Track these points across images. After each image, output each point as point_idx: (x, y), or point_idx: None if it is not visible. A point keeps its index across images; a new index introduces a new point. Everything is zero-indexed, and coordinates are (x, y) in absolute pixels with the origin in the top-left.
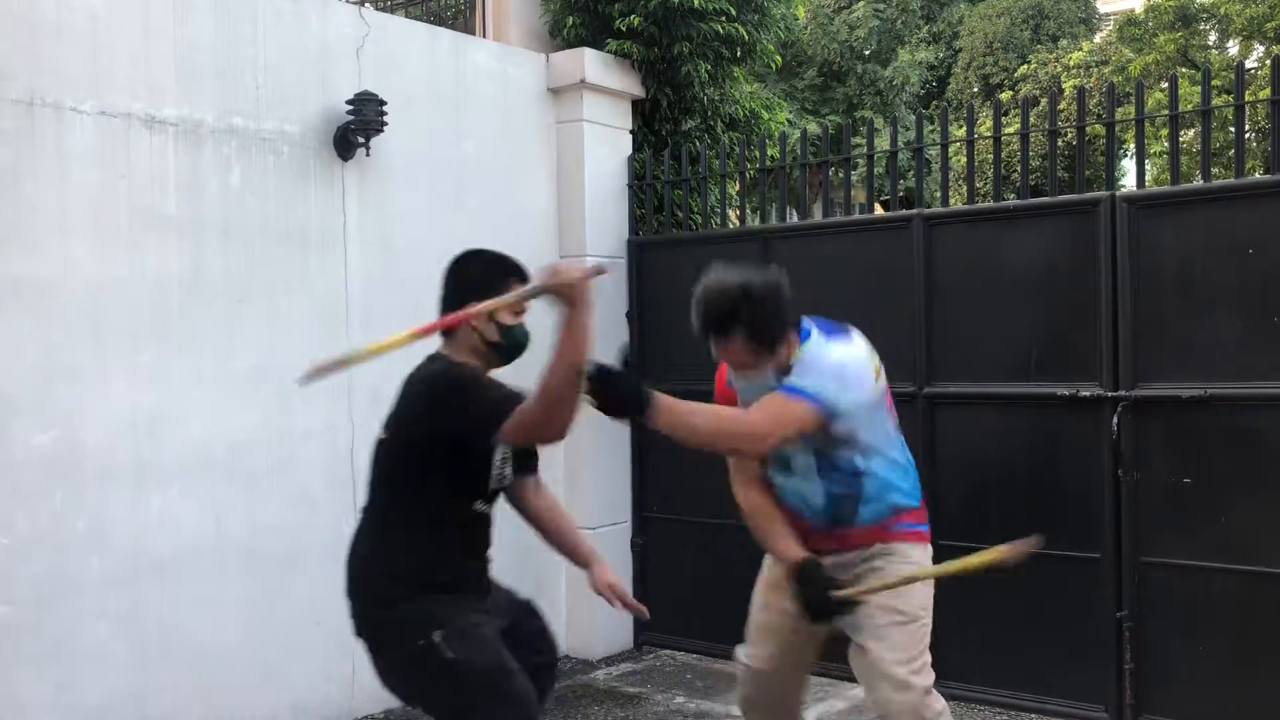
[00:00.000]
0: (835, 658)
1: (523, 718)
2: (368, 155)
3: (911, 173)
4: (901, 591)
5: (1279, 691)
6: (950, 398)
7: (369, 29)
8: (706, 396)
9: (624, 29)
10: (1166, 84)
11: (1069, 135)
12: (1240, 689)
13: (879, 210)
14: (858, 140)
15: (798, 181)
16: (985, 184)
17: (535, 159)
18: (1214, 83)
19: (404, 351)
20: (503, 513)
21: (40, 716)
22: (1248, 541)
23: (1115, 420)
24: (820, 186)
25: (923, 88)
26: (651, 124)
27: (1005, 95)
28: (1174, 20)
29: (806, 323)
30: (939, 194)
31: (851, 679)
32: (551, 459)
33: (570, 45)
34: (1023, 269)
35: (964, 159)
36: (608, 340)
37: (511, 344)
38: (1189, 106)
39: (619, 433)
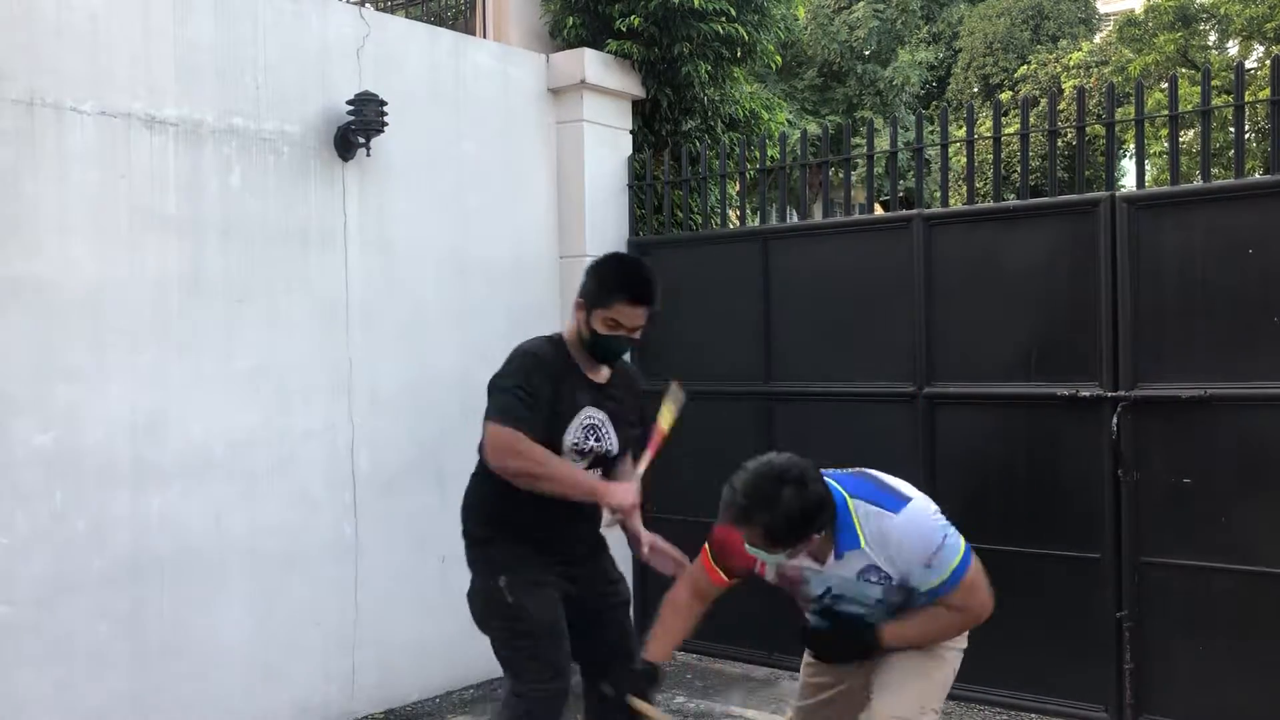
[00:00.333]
0: None
1: (546, 678)
2: (368, 155)
3: (911, 173)
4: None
5: (1279, 691)
6: (950, 398)
7: (369, 29)
8: (706, 396)
9: (624, 29)
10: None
11: (1069, 135)
12: (1240, 689)
13: (879, 210)
14: (858, 140)
15: (798, 182)
16: (985, 184)
17: (535, 159)
18: (1214, 83)
19: (417, 340)
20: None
21: (40, 716)
22: (1248, 541)
23: (1115, 420)
24: (820, 187)
25: (923, 88)
26: (652, 124)
27: (1005, 95)
28: (1174, 20)
29: (841, 500)
30: (939, 194)
31: None
32: None
33: (570, 45)
34: (1023, 269)
35: (964, 159)
36: None
37: (594, 347)
38: (1189, 107)
39: None
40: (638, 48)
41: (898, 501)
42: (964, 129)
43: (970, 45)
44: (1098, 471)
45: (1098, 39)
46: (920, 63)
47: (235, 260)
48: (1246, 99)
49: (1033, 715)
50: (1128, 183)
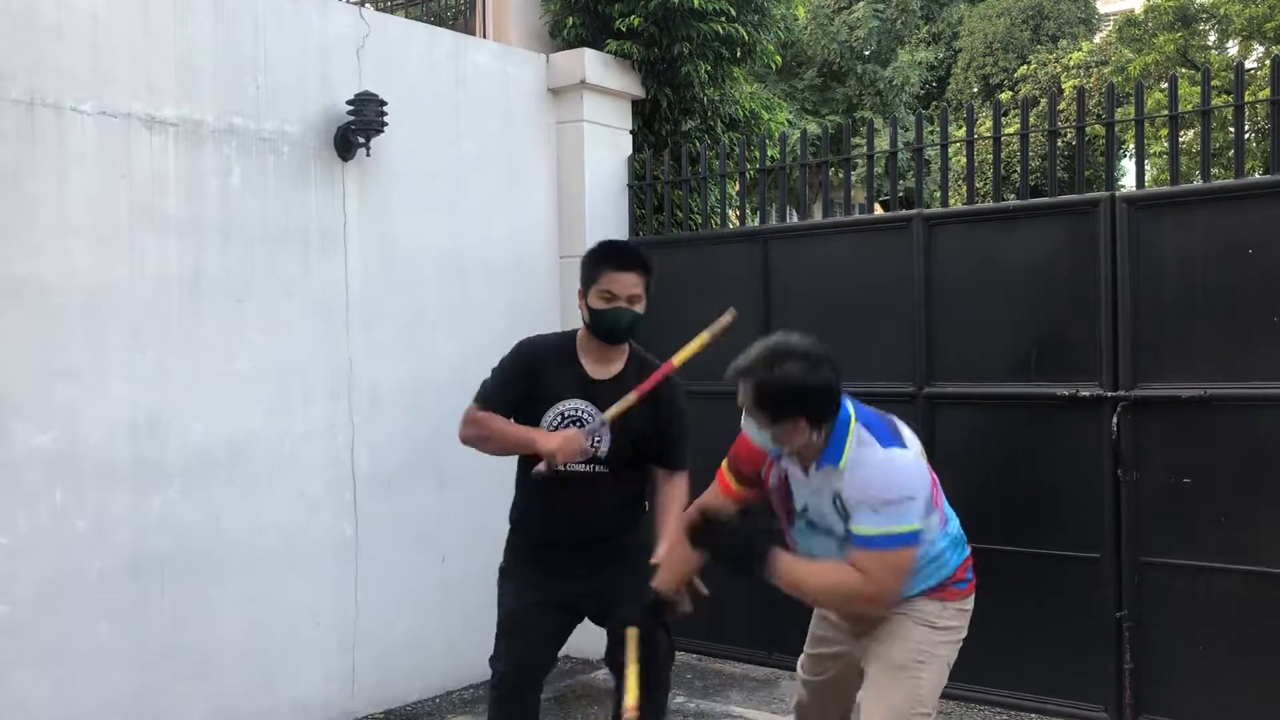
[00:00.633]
0: None
1: (499, 663)
2: (368, 155)
3: (911, 173)
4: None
5: (1279, 691)
6: (950, 398)
7: (369, 29)
8: (706, 396)
9: (624, 29)
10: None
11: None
12: (1240, 689)
13: (879, 210)
14: (858, 140)
15: (798, 182)
16: (985, 184)
17: (535, 159)
18: (1214, 83)
19: (417, 340)
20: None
21: (40, 716)
22: (1248, 541)
23: (1115, 420)
24: (820, 187)
25: (922, 88)
26: (651, 124)
27: (1005, 95)
28: (1174, 20)
29: (844, 412)
30: (939, 194)
31: None
32: None
33: (570, 45)
34: (1022, 269)
35: (964, 159)
36: None
37: (597, 326)
38: (1189, 107)
39: None
40: (638, 48)
41: (892, 440)
42: (964, 129)
43: (970, 45)
44: (1098, 471)
45: (1098, 39)
46: (920, 63)
47: (235, 260)
48: (1246, 99)
49: (1033, 715)
50: (1128, 183)
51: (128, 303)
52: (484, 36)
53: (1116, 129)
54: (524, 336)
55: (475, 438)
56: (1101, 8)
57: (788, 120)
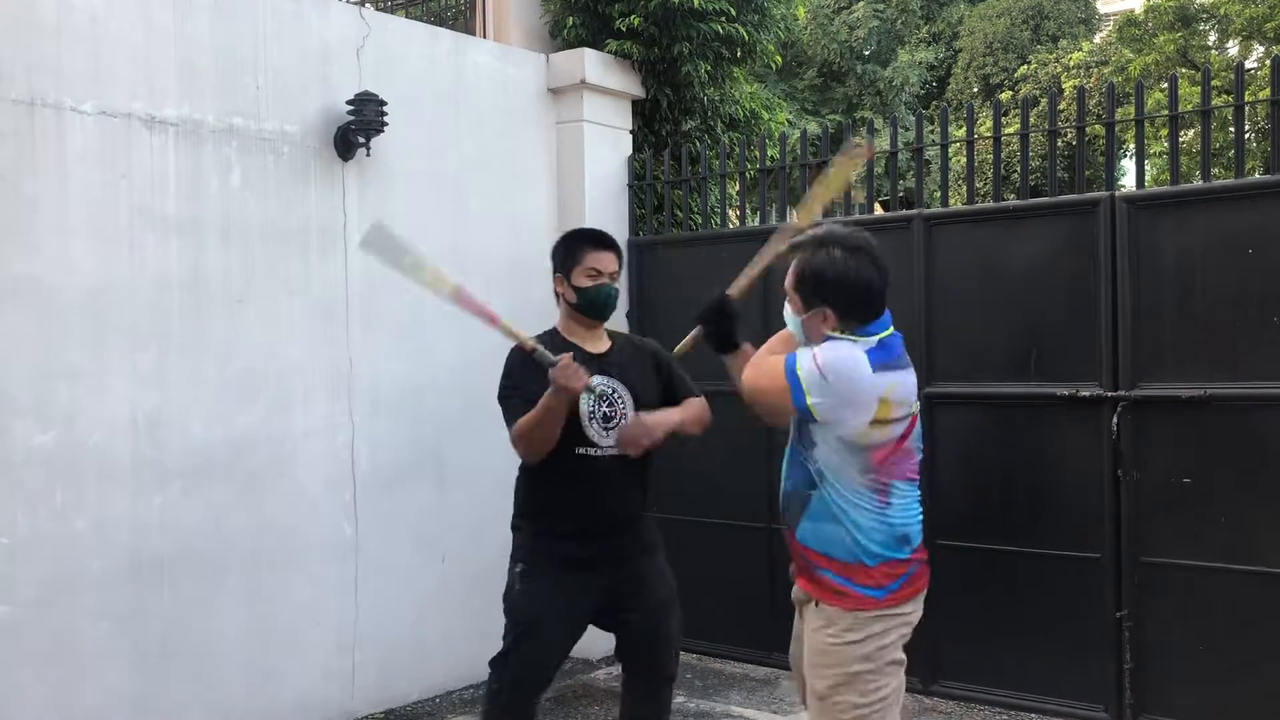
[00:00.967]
0: None
1: (511, 669)
2: (368, 155)
3: (911, 173)
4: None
5: (1279, 691)
6: (950, 398)
7: (369, 29)
8: (706, 396)
9: (624, 29)
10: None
11: (1069, 135)
12: (1240, 689)
13: (879, 210)
14: (858, 140)
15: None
16: (985, 184)
17: (535, 159)
18: (1214, 83)
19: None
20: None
21: (40, 716)
22: (1248, 541)
23: (1115, 420)
24: None
25: (922, 88)
26: (651, 124)
27: (1005, 95)
28: (1174, 20)
29: (879, 325)
30: (939, 194)
31: None
32: None
33: (570, 45)
34: (1022, 269)
35: (964, 159)
36: None
37: (586, 303)
38: (1189, 107)
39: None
40: (638, 48)
41: (885, 357)
42: (964, 129)
43: (970, 45)
44: (1098, 471)
45: (1098, 39)
46: (920, 63)
47: (235, 260)
48: (1246, 99)
49: (1033, 715)
50: (1128, 183)
51: (128, 303)
52: (484, 36)
53: (1116, 129)
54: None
55: (529, 443)
56: (1101, 8)
57: (788, 120)
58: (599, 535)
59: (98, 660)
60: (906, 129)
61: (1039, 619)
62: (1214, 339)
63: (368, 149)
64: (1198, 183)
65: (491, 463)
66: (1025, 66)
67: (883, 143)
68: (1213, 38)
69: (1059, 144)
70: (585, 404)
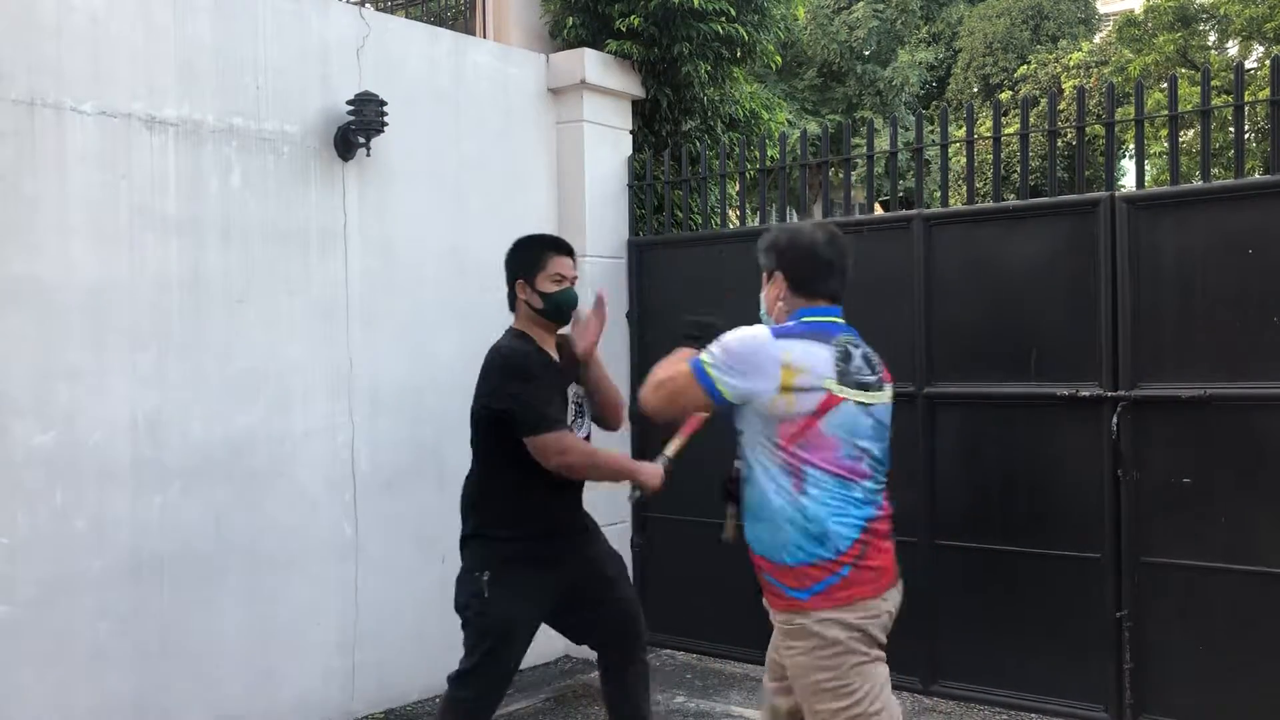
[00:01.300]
0: None
1: (486, 678)
2: (368, 155)
3: (911, 173)
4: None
5: (1279, 691)
6: (950, 398)
7: (369, 29)
8: None
9: (624, 29)
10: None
11: (1069, 135)
12: (1240, 689)
13: (879, 210)
14: (858, 140)
15: (798, 182)
16: (985, 184)
17: (535, 159)
18: (1214, 83)
19: (417, 340)
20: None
21: (40, 716)
22: (1248, 541)
23: (1115, 420)
24: (820, 187)
25: (922, 88)
26: (651, 124)
27: (1005, 95)
28: (1174, 21)
29: (825, 311)
30: (939, 194)
31: None
32: None
33: (570, 45)
34: (1022, 269)
35: (964, 159)
36: (608, 341)
37: (553, 307)
38: (1189, 107)
39: (619, 434)
40: (638, 48)
41: (798, 330)
42: (964, 129)
43: (970, 45)
44: (1098, 471)
45: (1098, 39)
46: (920, 63)
47: (235, 260)
48: (1246, 99)
49: (1033, 715)
50: (1128, 183)
51: (128, 303)
52: (484, 36)
53: (1116, 129)
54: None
55: (583, 466)
56: (1101, 8)
57: (788, 120)
58: (560, 532)
59: (98, 660)
60: (906, 129)
61: (1039, 619)
62: (1214, 339)
63: (368, 149)
64: (1198, 183)
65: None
66: (1025, 66)
67: (883, 143)
68: (1213, 38)
69: (1059, 144)
70: (569, 415)
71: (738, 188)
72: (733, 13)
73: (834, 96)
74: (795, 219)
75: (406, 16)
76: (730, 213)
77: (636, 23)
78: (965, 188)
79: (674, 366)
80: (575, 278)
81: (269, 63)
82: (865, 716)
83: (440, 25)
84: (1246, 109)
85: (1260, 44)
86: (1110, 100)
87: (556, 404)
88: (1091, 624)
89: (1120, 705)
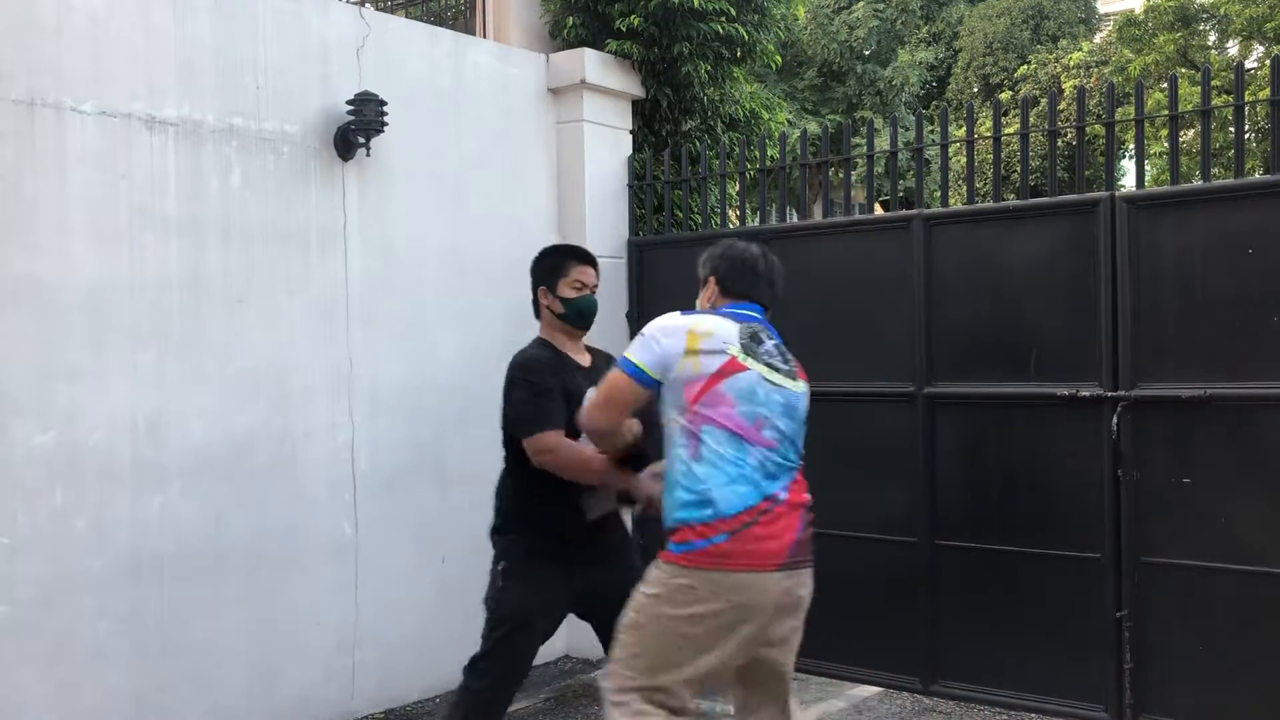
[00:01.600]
0: (836, 657)
1: (500, 664)
2: (368, 155)
3: (911, 173)
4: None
5: (1279, 691)
6: (950, 398)
7: (369, 29)
8: None
9: (624, 29)
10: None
11: (1069, 135)
12: (1240, 689)
13: (879, 210)
14: (858, 140)
15: (798, 181)
16: (985, 184)
17: (535, 159)
18: (1214, 83)
19: (417, 340)
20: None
21: (40, 716)
22: (1248, 541)
23: (1115, 420)
24: (820, 186)
25: (922, 88)
26: (651, 124)
27: (1005, 95)
28: (1174, 20)
29: (748, 307)
30: (939, 194)
31: (851, 679)
32: None
33: (570, 45)
34: (1022, 269)
35: (964, 159)
36: (608, 341)
37: (574, 313)
38: (1189, 107)
39: None
40: (638, 48)
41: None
42: (964, 129)
43: (970, 45)
44: (1098, 471)
45: (1098, 39)
46: (920, 63)
47: (235, 260)
48: (1246, 99)
49: (1033, 715)
50: (1128, 183)
51: (128, 303)
52: (484, 36)
53: (1116, 129)
54: (524, 338)
55: (570, 464)
56: (1101, 8)
57: (788, 120)
58: (577, 536)
59: (98, 660)
60: (906, 129)
61: (1039, 619)
62: (1214, 339)
63: (368, 149)
64: (1198, 183)
65: (491, 463)
66: (1025, 66)
67: (883, 143)
68: (1213, 38)
69: (1059, 144)
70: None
71: (738, 188)
72: (733, 13)
73: (834, 96)
74: (795, 219)
75: (406, 16)
76: (730, 213)
77: (636, 22)
78: (965, 188)
79: (605, 383)
80: (596, 285)
81: (269, 63)
82: (653, 663)
83: (440, 25)
84: (1246, 109)
85: (1260, 44)
86: (1110, 100)
87: (557, 406)
88: (1091, 624)
89: (1120, 705)
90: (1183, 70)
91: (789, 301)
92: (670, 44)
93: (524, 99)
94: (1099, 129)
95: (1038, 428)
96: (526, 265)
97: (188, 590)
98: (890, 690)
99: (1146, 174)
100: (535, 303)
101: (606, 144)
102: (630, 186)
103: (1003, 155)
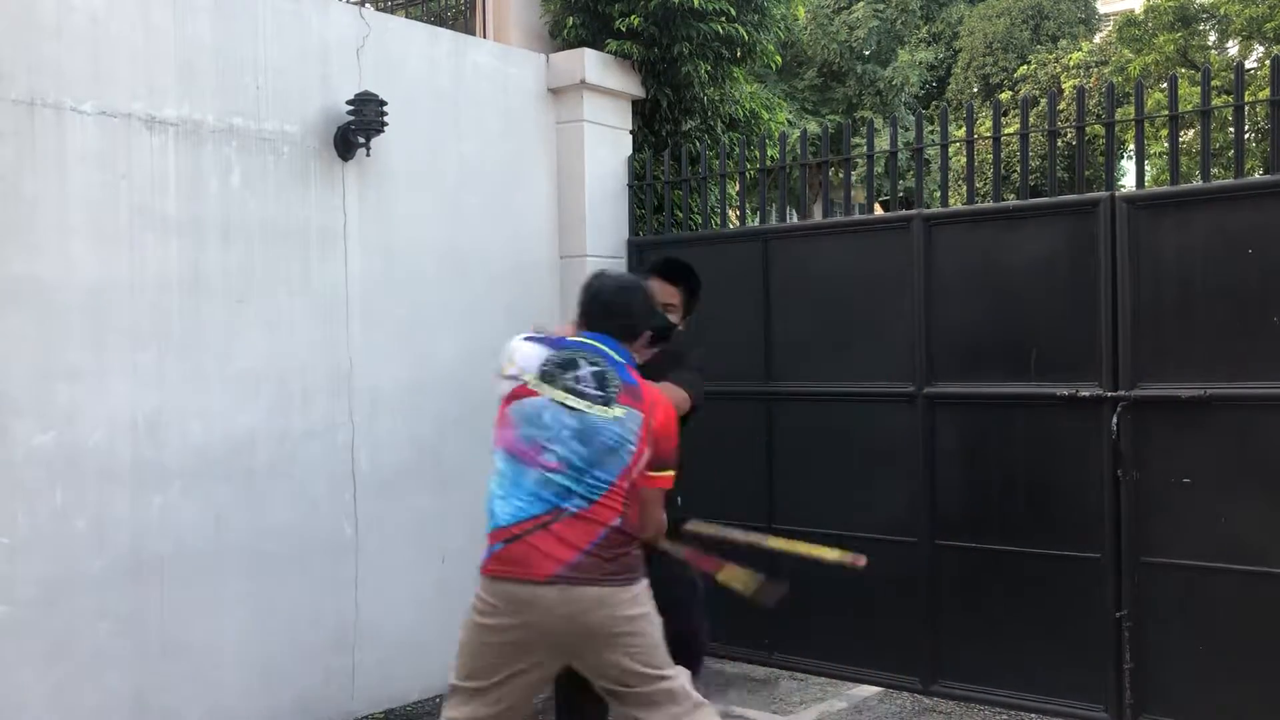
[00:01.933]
0: (836, 657)
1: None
2: (368, 155)
3: (911, 173)
4: None
5: (1279, 691)
6: (950, 398)
7: (369, 29)
8: (706, 396)
9: (624, 29)
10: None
11: (1069, 135)
12: (1240, 689)
13: (879, 210)
14: (858, 140)
15: (798, 181)
16: (985, 184)
17: (535, 159)
18: (1214, 83)
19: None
20: None
21: (40, 716)
22: (1248, 541)
23: (1115, 420)
24: (820, 186)
25: (922, 88)
26: (651, 124)
27: (1005, 95)
28: (1174, 21)
29: (589, 336)
30: (939, 194)
31: (851, 679)
32: None
33: (570, 45)
34: (1022, 269)
35: (964, 159)
36: None
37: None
38: (1189, 107)
39: None
40: (638, 48)
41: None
42: (964, 129)
43: (970, 45)
44: (1098, 471)
45: (1098, 39)
46: (920, 63)
47: (235, 260)
48: (1246, 99)
49: (1033, 715)
50: (1128, 183)
51: (128, 303)
52: (484, 36)
53: (1116, 129)
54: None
55: None
56: (1101, 8)
57: (788, 120)
58: None
59: (98, 660)
60: (906, 129)
61: (1039, 619)
62: (1214, 339)
63: (368, 149)
64: (1198, 183)
65: (491, 463)
66: (1025, 66)
67: (883, 143)
68: (1213, 38)
69: (1059, 144)
70: None
71: (738, 188)
72: (733, 13)
73: (834, 96)
74: (795, 219)
75: (406, 16)
76: (730, 213)
77: (636, 23)
78: (965, 188)
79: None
80: (666, 305)
81: (269, 63)
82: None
83: (440, 25)
84: (1246, 109)
85: (1260, 44)
86: (1110, 100)
87: None
88: (1091, 624)
89: (1120, 705)
90: (1183, 70)
91: (789, 301)
92: (670, 44)
93: (524, 99)
94: (1099, 129)
95: (1038, 428)
96: (526, 264)
97: (188, 590)
98: (890, 690)
99: (1146, 174)
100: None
101: (606, 144)
102: (630, 186)
103: (1003, 155)
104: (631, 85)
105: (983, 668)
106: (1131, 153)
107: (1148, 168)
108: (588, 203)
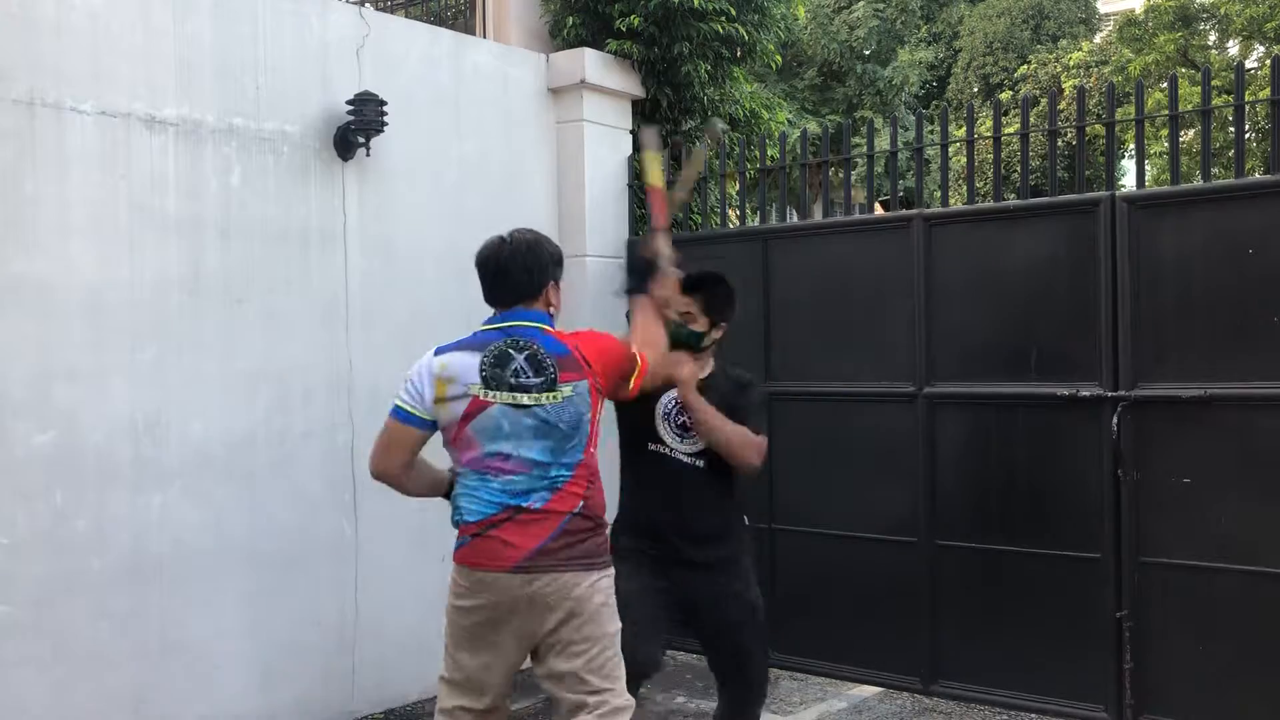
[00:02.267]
0: (836, 657)
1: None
2: (368, 155)
3: (911, 173)
4: None
5: (1279, 691)
6: (950, 398)
7: (369, 29)
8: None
9: (624, 29)
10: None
11: (1069, 135)
12: (1240, 689)
13: (879, 210)
14: (858, 140)
15: (798, 181)
16: (985, 184)
17: (535, 159)
18: (1214, 83)
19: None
20: None
21: (40, 716)
22: (1248, 541)
23: (1115, 420)
24: (820, 186)
25: (923, 88)
26: (652, 124)
27: (1005, 95)
28: (1174, 20)
29: (500, 319)
30: (939, 194)
31: (851, 679)
32: None
33: (570, 45)
34: (1023, 269)
35: (964, 159)
36: None
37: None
38: (1189, 106)
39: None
40: (638, 47)
41: (452, 346)
42: (964, 129)
43: (970, 45)
44: (1098, 471)
45: (1098, 39)
46: (920, 62)
47: (235, 260)
48: (1246, 99)
49: (1033, 715)
50: (1128, 183)
51: (128, 303)
52: (484, 36)
53: (1116, 129)
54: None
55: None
56: (1101, 8)
57: (788, 120)
58: (665, 535)
59: (98, 660)
60: (906, 129)
61: (1039, 619)
62: (1214, 339)
63: (368, 149)
64: (1198, 183)
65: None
66: (1025, 66)
67: (883, 143)
68: (1213, 38)
69: (1059, 144)
70: (663, 409)
71: (738, 187)
72: (733, 12)
73: (834, 96)
74: (795, 219)
75: (406, 16)
76: (730, 213)
77: (636, 22)
78: (965, 187)
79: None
80: (682, 314)
81: (269, 63)
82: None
83: (440, 25)
84: (1246, 109)
85: (1260, 44)
86: (1110, 100)
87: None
88: (1091, 624)
89: (1120, 705)
90: (1183, 70)
91: (788, 301)
92: (670, 44)
93: (524, 99)
94: (1099, 129)
95: (1038, 428)
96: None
97: (187, 590)
98: (890, 690)
99: (1147, 174)
100: None
101: (606, 144)
102: (630, 186)
103: (1003, 155)
104: (631, 85)
105: (983, 667)
106: (1132, 152)
107: (1148, 167)
108: (588, 203)
